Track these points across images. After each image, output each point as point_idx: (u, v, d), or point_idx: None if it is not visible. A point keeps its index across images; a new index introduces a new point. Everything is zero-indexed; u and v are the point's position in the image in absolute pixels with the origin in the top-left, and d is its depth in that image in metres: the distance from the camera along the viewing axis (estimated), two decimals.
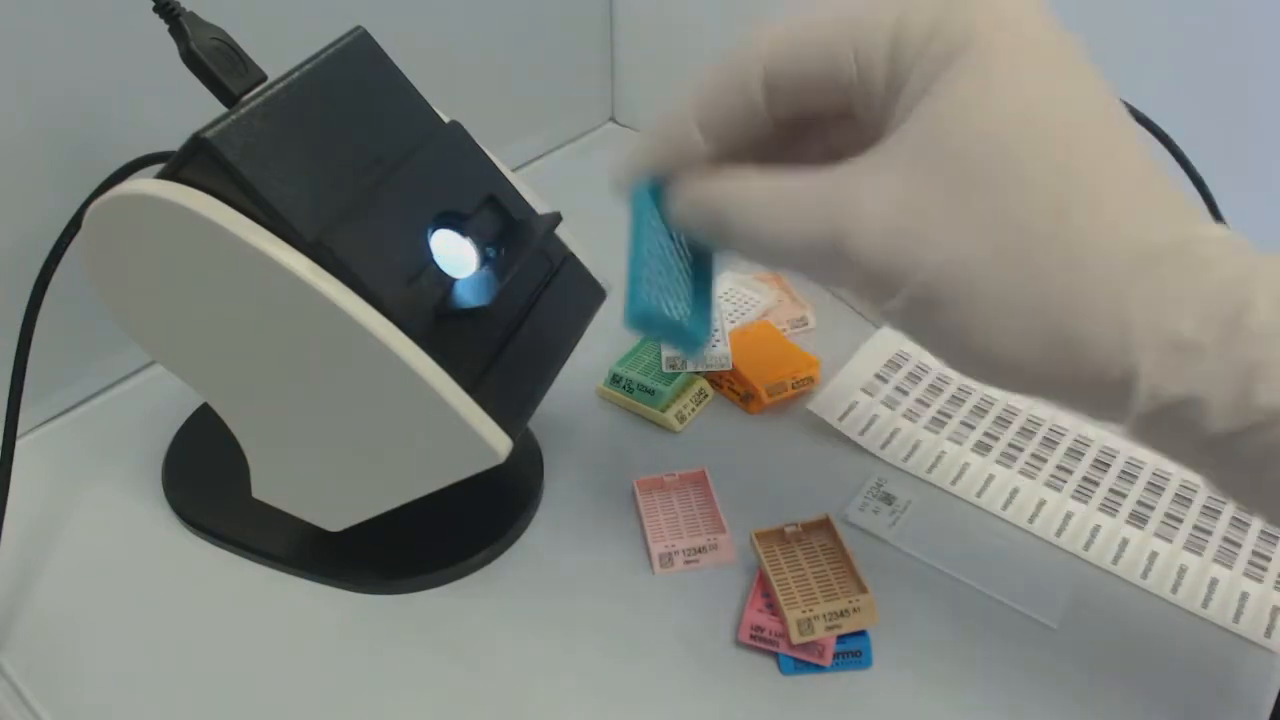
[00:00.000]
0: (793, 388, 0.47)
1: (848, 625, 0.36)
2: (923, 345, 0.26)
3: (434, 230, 0.34)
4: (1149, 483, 0.44)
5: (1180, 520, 0.42)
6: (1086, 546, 0.41)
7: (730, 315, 0.52)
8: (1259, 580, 0.40)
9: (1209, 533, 0.42)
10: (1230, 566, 0.40)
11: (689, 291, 0.28)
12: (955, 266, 0.23)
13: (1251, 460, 0.23)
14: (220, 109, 0.32)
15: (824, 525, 0.39)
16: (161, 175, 0.31)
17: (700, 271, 0.29)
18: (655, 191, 0.29)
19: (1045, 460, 0.45)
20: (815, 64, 0.26)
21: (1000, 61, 0.24)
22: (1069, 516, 0.42)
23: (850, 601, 0.36)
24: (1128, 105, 0.43)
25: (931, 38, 0.24)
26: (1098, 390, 0.23)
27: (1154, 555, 0.41)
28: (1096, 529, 0.42)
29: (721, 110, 0.27)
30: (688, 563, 0.40)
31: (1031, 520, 0.42)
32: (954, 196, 0.23)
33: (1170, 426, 0.23)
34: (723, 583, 0.40)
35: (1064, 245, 0.23)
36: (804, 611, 0.35)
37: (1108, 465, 0.45)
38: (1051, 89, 0.24)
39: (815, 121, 0.28)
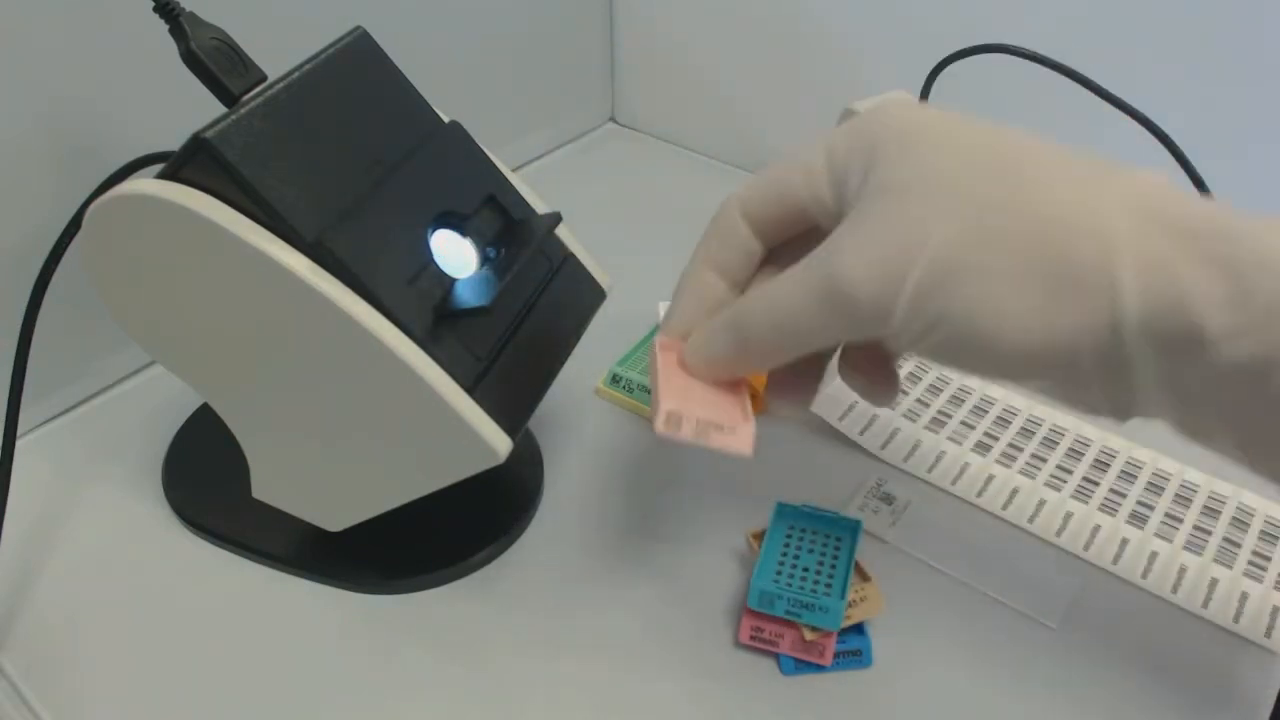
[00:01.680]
0: None
1: (854, 615, 0.36)
2: (939, 355, 0.28)
3: (434, 230, 0.34)
4: (1149, 483, 0.44)
5: (1180, 520, 0.42)
6: (1086, 546, 0.41)
7: None
8: (1259, 580, 0.40)
9: (1209, 533, 0.42)
10: (1230, 566, 0.40)
11: (824, 576, 0.36)
12: (933, 255, 0.26)
13: (1252, 373, 0.23)
14: (220, 109, 0.32)
15: None
16: (161, 175, 0.31)
17: (840, 560, 0.36)
18: (785, 509, 0.38)
19: (1045, 460, 0.45)
20: (774, 187, 0.31)
21: (912, 133, 0.28)
22: (1069, 516, 0.42)
23: (855, 591, 0.36)
24: (1128, 105, 0.43)
25: (854, 147, 0.29)
26: (1093, 330, 0.25)
27: (1154, 555, 0.41)
28: (1096, 529, 0.42)
29: (721, 249, 0.32)
30: (696, 434, 0.32)
31: (1031, 520, 0.42)
32: (912, 208, 0.27)
33: (1167, 348, 0.24)
34: (723, 583, 0.40)
35: (1020, 198, 0.26)
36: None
37: (1108, 465, 0.45)
38: (957, 131, 0.28)
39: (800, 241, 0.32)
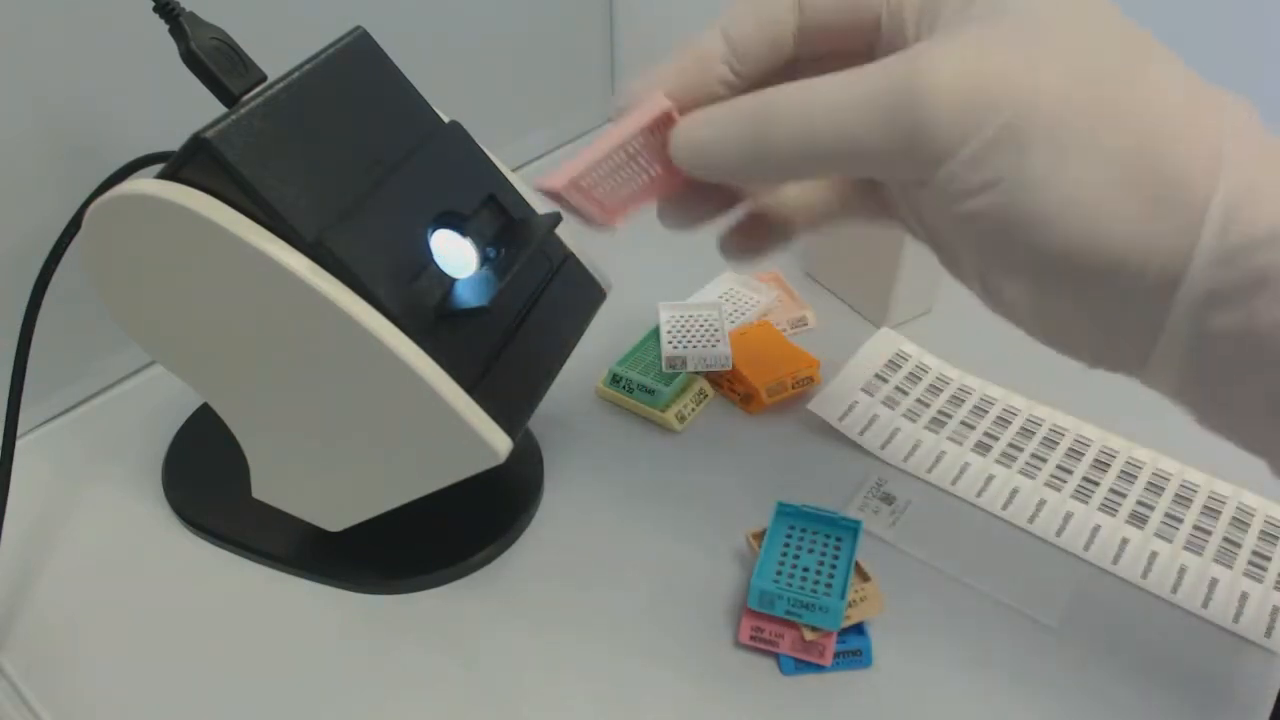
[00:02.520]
0: (793, 388, 0.47)
1: (854, 615, 0.36)
2: (972, 219, 0.24)
3: (434, 230, 0.34)
4: (1149, 483, 0.44)
5: (1180, 520, 0.42)
6: (1086, 546, 0.41)
7: (730, 315, 0.52)
8: (1259, 580, 0.40)
9: (1209, 533, 0.42)
10: (1230, 566, 0.40)
11: (824, 576, 0.36)
12: (1035, 102, 0.23)
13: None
14: (220, 109, 0.32)
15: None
16: (161, 175, 0.31)
17: (840, 560, 0.37)
18: (785, 509, 0.38)
19: (1045, 460, 0.45)
20: None
21: None
22: (1069, 516, 0.42)
23: (855, 591, 0.36)
24: None
25: None
26: (1173, 232, 0.23)
27: (1154, 555, 0.41)
28: (1096, 529, 0.42)
29: (751, 27, 0.27)
30: (565, 211, 0.30)
31: (1031, 520, 0.42)
32: (1026, 43, 0.24)
33: (1244, 281, 0.22)
34: (723, 583, 0.40)
35: (1144, 83, 0.24)
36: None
37: (1108, 465, 0.45)
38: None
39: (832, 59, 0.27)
